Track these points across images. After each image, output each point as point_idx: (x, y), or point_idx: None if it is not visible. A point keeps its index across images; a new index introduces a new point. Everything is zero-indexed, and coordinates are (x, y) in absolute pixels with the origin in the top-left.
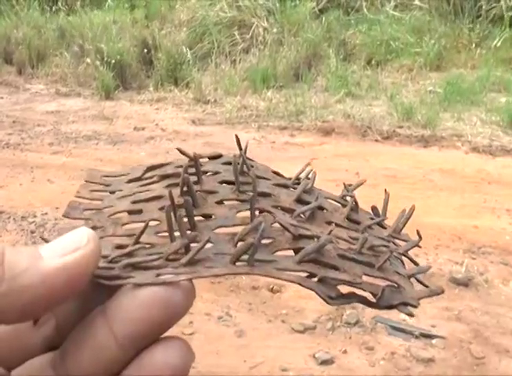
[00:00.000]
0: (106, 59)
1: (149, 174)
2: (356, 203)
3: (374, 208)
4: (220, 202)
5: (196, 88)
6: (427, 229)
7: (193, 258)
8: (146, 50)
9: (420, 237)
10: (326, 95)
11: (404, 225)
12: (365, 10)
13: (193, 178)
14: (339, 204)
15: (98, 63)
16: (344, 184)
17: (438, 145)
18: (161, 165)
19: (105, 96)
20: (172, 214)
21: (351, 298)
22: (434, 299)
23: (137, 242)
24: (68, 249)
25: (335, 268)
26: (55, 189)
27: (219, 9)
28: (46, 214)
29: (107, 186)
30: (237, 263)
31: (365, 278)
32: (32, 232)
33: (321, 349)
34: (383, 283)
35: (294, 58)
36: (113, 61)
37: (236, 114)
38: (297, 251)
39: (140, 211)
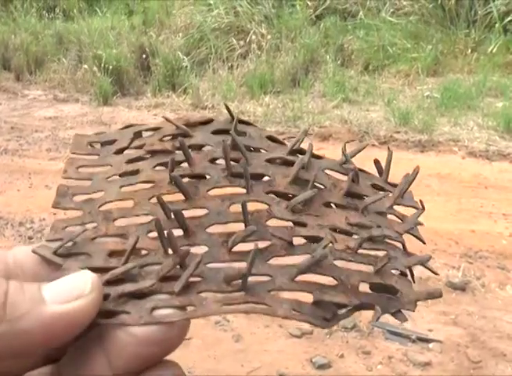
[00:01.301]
0: (103, 65)
1: (136, 142)
2: (357, 172)
3: (377, 162)
4: (213, 188)
5: (193, 94)
6: (423, 234)
7: (187, 282)
8: (143, 56)
9: (423, 208)
10: (323, 101)
11: (408, 187)
12: (362, 16)
13: (181, 155)
14: (339, 175)
15: (96, 69)
16: (342, 151)
17: (435, 150)
18: (148, 129)
19: (103, 102)
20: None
21: (346, 314)
22: (430, 304)
23: (128, 259)
24: (71, 295)
25: (332, 277)
26: (53, 195)
27: (216, 15)
28: (44, 220)
29: (95, 155)
30: (232, 282)
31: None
32: (30, 238)
33: (318, 354)
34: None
35: (292, 63)
36: (111, 67)
37: None
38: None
39: (130, 202)
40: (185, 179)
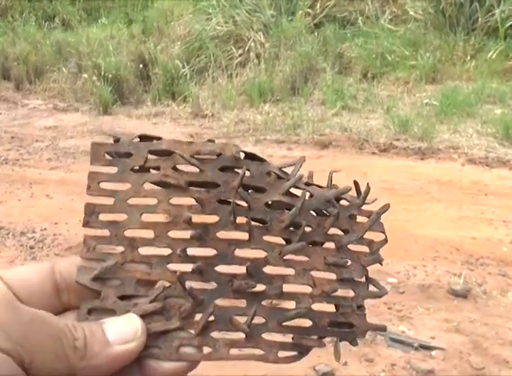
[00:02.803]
0: (103, 74)
1: (152, 162)
2: (338, 214)
3: (356, 184)
4: (221, 230)
5: (193, 103)
6: (424, 241)
7: (205, 323)
8: (142, 65)
9: (387, 240)
10: (322, 109)
11: (377, 219)
12: (360, 24)
13: (194, 191)
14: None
15: (95, 78)
16: (327, 185)
17: (435, 157)
18: (160, 150)
19: (103, 111)
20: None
21: (313, 347)
22: (432, 311)
23: (156, 297)
24: (128, 337)
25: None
26: (54, 204)
27: (215, 24)
28: (45, 229)
29: (113, 166)
30: (237, 319)
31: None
32: (31, 247)
33: (321, 362)
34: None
35: (290, 71)
36: (111, 76)
37: (234, 128)
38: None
39: (151, 233)
40: (198, 219)
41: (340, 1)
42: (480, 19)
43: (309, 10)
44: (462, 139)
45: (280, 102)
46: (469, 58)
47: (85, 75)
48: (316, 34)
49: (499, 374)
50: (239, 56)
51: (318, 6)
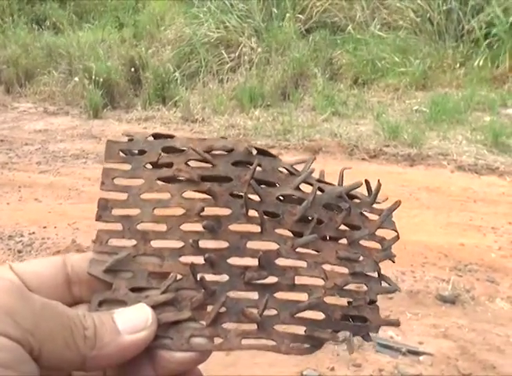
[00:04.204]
0: (94, 77)
1: (165, 158)
2: (350, 208)
3: (367, 182)
4: (233, 223)
5: (184, 107)
6: (413, 247)
7: (217, 314)
8: (133, 69)
9: (398, 237)
10: (312, 114)
11: (389, 216)
12: (351, 30)
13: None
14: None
15: (86, 81)
16: (338, 182)
17: (424, 163)
18: (175, 149)
19: (93, 115)
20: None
21: (328, 339)
22: (421, 316)
23: (168, 288)
24: (138, 327)
25: (322, 311)
26: (43, 208)
27: (207, 29)
28: (33, 233)
29: (127, 163)
30: (249, 310)
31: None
32: (19, 251)
33: (309, 367)
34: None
35: (281, 77)
36: (101, 80)
37: (224, 133)
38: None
39: (164, 226)
40: (210, 211)
41: (330, 7)
42: (466, 27)
43: (300, 16)
44: (451, 146)
45: (271, 107)
46: (458, 65)
47: (76, 79)
48: (307, 39)
49: None
50: (230, 61)
51: (308, 12)
